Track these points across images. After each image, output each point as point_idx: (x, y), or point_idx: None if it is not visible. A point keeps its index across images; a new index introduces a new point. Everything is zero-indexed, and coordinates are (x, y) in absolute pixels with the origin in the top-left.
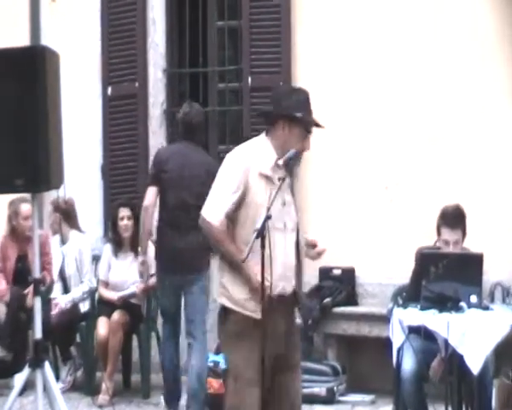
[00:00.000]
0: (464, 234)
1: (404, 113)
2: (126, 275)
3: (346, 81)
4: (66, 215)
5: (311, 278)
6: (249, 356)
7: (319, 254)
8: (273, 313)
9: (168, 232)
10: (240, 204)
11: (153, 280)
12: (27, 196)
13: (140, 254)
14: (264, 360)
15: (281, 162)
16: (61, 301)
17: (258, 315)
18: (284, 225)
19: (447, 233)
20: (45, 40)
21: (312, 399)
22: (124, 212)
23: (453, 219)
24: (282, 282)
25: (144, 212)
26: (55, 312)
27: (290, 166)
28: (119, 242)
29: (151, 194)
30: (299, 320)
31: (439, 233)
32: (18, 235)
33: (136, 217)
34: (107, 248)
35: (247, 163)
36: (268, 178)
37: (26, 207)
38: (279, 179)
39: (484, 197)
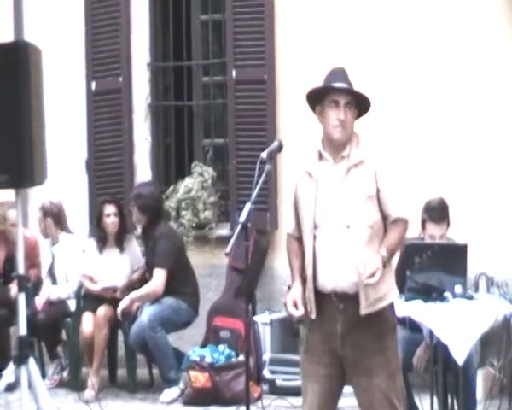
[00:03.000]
0: (448, 225)
1: (385, 105)
2: (111, 270)
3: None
4: (57, 219)
5: None
6: (308, 351)
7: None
8: (324, 311)
9: None
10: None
11: (136, 275)
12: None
13: None
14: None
15: (264, 155)
16: (49, 293)
17: (312, 316)
18: (333, 220)
19: (433, 228)
20: (28, 36)
21: (298, 391)
22: (110, 209)
23: (438, 213)
24: (330, 280)
25: None
26: (42, 301)
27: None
28: (104, 238)
29: None
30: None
31: (423, 227)
32: (7, 238)
33: (121, 213)
34: (91, 244)
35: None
36: (310, 175)
37: (13, 214)
38: (259, 169)
39: (468, 188)
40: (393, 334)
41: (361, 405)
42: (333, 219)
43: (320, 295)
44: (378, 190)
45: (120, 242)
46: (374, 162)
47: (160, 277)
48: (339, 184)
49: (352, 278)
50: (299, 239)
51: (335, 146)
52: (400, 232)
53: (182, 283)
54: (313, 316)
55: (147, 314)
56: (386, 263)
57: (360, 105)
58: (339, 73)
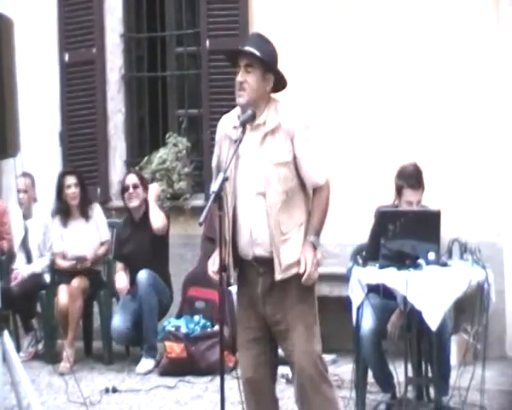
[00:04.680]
0: (423, 190)
1: (360, 74)
2: (79, 241)
3: (304, 43)
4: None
5: None
6: (238, 321)
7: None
8: (246, 277)
9: None
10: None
11: (102, 250)
12: None
13: None
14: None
15: (237, 124)
16: (22, 271)
17: (231, 280)
18: (251, 188)
19: (411, 194)
20: (0, 6)
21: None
22: (70, 180)
23: (416, 179)
24: (249, 246)
25: None
26: (14, 283)
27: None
28: (67, 210)
29: None
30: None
31: (399, 194)
32: None
33: (82, 184)
34: (56, 220)
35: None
36: (231, 139)
37: None
38: (235, 141)
39: (440, 154)
40: (311, 290)
41: (288, 361)
42: (250, 186)
43: (243, 262)
44: (295, 157)
45: (84, 211)
46: (291, 127)
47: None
48: (256, 152)
49: (267, 244)
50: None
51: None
52: (322, 204)
53: (166, 272)
54: (232, 280)
55: (145, 273)
56: (316, 244)
57: (275, 75)
58: (251, 38)
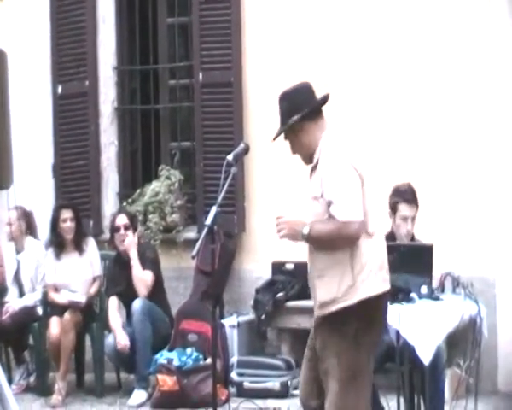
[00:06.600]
0: (417, 209)
1: (353, 98)
2: (72, 274)
3: (297, 76)
4: (28, 226)
5: (263, 273)
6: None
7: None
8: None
9: None
10: None
11: (93, 290)
12: None
13: None
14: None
15: (230, 158)
16: (13, 304)
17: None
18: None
19: (406, 209)
20: None
21: (266, 393)
22: (66, 214)
23: (410, 194)
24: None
25: None
26: (5, 317)
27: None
28: (62, 244)
29: None
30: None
31: (394, 210)
32: None
33: (77, 217)
34: (50, 252)
35: None
36: None
37: None
38: (225, 172)
39: (433, 188)
40: (350, 343)
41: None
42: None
43: None
44: (322, 193)
45: (78, 245)
46: (322, 162)
47: (149, 276)
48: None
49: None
50: None
51: None
52: (331, 226)
53: (164, 303)
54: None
55: (139, 302)
56: (299, 235)
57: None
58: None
